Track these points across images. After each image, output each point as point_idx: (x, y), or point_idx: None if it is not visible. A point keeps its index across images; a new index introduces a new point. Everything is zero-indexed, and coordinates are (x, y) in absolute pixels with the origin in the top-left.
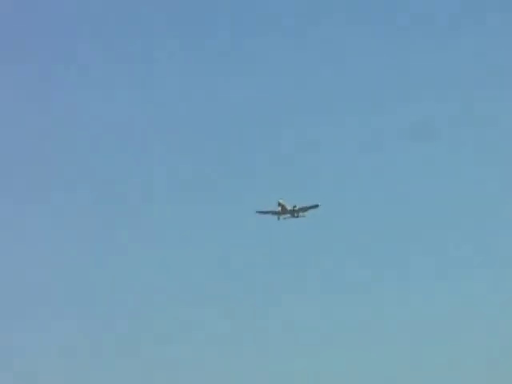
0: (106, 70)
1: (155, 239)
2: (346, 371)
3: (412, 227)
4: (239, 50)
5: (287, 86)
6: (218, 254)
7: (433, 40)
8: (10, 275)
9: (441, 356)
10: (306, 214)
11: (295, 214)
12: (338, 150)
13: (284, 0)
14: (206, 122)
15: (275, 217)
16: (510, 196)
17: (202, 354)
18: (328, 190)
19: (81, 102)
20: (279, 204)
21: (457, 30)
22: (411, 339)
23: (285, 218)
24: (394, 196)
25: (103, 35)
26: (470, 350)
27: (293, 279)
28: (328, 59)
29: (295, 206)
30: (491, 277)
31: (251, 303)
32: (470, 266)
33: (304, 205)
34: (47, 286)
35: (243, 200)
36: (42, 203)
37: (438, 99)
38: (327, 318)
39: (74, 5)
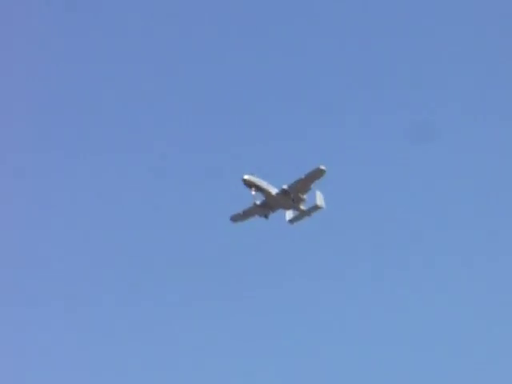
0: None
1: None
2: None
3: (412, 228)
4: None
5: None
6: None
7: (433, 40)
8: None
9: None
10: (320, 201)
11: (294, 201)
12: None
13: None
14: None
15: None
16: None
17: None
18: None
19: None
20: (246, 182)
21: (457, 29)
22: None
23: (290, 221)
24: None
25: None
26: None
27: None
28: (326, 61)
29: (287, 188)
30: (492, 277)
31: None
32: (471, 267)
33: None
34: None
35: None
36: None
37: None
38: None
39: None
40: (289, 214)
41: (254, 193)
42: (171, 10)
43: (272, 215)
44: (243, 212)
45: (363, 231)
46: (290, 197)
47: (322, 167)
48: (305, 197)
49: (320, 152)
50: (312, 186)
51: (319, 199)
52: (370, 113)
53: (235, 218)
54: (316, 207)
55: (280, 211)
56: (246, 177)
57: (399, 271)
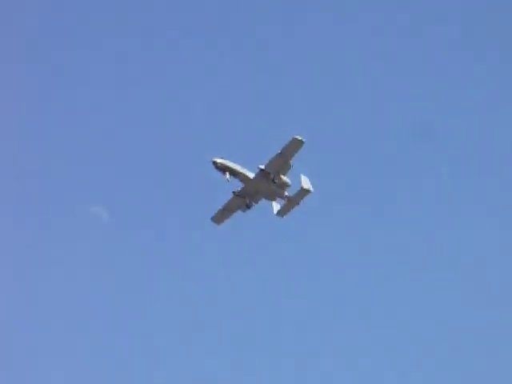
0: None
1: None
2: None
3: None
4: None
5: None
6: None
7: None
8: None
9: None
10: (306, 184)
11: (277, 185)
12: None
13: None
14: None
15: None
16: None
17: None
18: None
19: None
20: (218, 165)
21: (457, 29)
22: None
23: (278, 213)
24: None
25: None
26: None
27: None
28: (328, 65)
29: (264, 167)
30: (489, 279)
31: None
32: (469, 267)
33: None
34: None
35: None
36: None
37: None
38: None
39: None
40: (276, 206)
41: (228, 177)
42: None
43: (257, 210)
44: (223, 208)
45: (363, 231)
46: (270, 178)
47: (298, 137)
48: (288, 180)
49: (317, 150)
50: (291, 162)
51: (305, 182)
52: (370, 112)
53: (218, 219)
54: (303, 191)
55: (264, 205)
56: (218, 160)
57: (400, 269)
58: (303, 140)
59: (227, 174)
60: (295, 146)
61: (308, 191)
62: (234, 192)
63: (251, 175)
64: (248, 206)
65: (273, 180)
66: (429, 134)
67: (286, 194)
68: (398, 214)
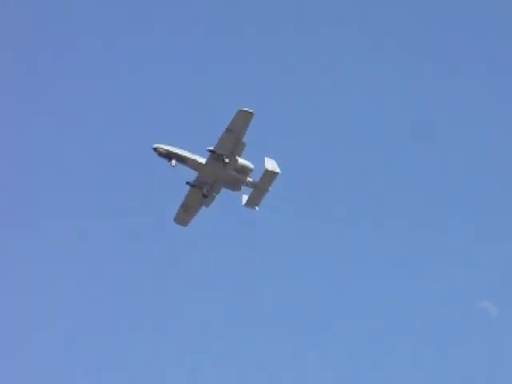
0: None
1: None
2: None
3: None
4: None
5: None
6: None
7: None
8: None
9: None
10: (271, 166)
11: (236, 170)
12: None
13: None
14: None
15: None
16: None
17: None
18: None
19: None
20: (160, 152)
21: (457, 28)
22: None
23: (247, 205)
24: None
25: None
26: None
27: None
28: (327, 61)
29: (213, 148)
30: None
31: None
32: (468, 265)
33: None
34: None
35: None
36: None
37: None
38: None
39: None
40: (244, 197)
41: (174, 163)
42: None
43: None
44: (183, 204)
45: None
46: (223, 159)
47: (244, 108)
48: (248, 163)
49: (316, 151)
50: (244, 139)
51: (269, 164)
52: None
53: (181, 219)
54: (269, 174)
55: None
56: (160, 146)
57: (398, 269)
58: (250, 111)
59: (173, 160)
60: (243, 118)
61: (274, 173)
62: (188, 183)
63: (202, 160)
64: (205, 196)
65: (227, 162)
66: (429, 134)
67: (250, 179)
68: (397, 215)
